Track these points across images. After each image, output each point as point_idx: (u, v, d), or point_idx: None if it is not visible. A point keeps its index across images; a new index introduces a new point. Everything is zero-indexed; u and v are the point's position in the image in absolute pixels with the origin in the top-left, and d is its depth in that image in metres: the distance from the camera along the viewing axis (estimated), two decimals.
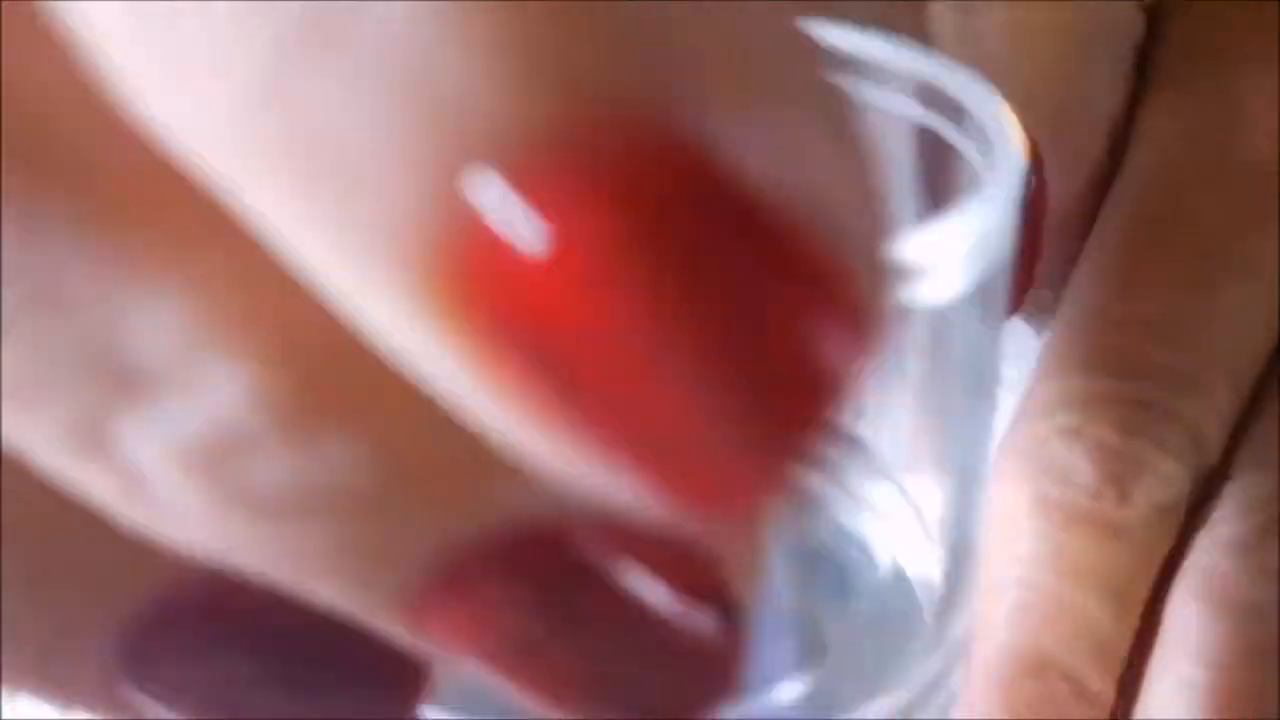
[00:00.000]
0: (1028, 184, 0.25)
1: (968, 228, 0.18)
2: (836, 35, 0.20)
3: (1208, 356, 0.26)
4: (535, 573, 0.12)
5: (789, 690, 0.21)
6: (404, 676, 0.14)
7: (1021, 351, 0.30)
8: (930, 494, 0.22)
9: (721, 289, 0.09)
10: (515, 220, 0.08)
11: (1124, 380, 0.26)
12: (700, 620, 0.13)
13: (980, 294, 0.19)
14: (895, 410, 0.23)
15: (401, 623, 0.12)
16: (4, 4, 0.10)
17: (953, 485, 0.21)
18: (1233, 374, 0.26)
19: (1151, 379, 0.26)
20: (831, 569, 0.24)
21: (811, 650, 0.22)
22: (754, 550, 0.13)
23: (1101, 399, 0.26)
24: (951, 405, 0.20)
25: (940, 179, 0.21)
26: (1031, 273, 0.27)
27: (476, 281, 0.09)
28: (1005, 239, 0.19)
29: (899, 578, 0.23)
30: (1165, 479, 0.25)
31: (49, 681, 0.14)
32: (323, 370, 0.11)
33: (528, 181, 0.08)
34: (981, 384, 0.20)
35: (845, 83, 0.10)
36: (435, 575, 0.12)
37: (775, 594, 0.23)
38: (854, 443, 0.24)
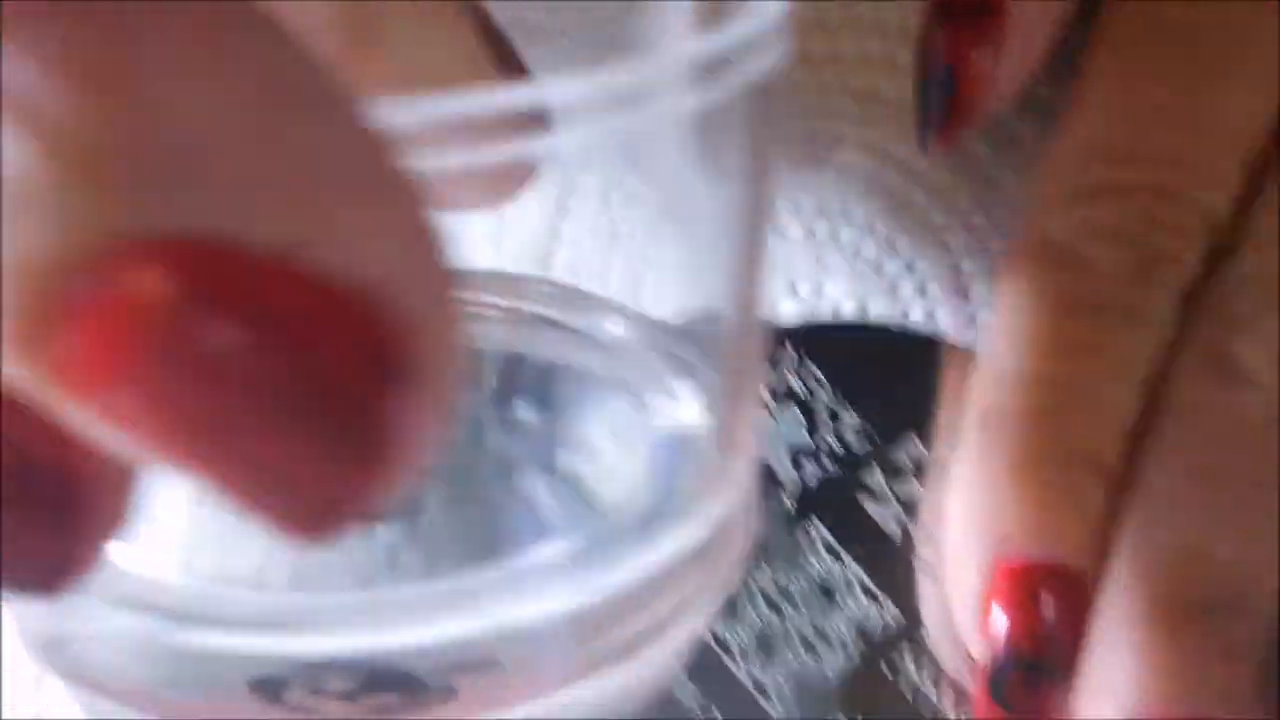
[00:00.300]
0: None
1: (732, 36, 0.17)
2: None
3: (1219, 139, 0.26)
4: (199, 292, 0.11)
5: (554, 548, 0.20)
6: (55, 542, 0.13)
7: None
8: (677, 342, 0.21)
9: None
10: None
11: (1137, 168, 0.25)
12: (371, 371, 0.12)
13: (750, 110, 0.18)
14: (664, 254, 0.22)
15: (48, 368, 0.11)
16: None
17: (729, 325, 0.20)
18: (1241, 152, 0.26)
19: (1165, 165, 0.25)
20: (599, 426, 0.23)
21: (578, 509, 0.21)
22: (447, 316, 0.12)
23: (1115, 189, 0.25)
24: (721, 233, 0.19)
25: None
26: (971, 106, 0.25)
27: None
28: (775, 53, 0.18)
29: (671, 435, 0.22)
30: (1183, 264, 0.25)
31: None
32: None
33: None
34: (754, 209, 0.19)
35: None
36: (72, 296, 0.11)
37: (539, 454, 0.22)
38: (624, 309, 0.23)
